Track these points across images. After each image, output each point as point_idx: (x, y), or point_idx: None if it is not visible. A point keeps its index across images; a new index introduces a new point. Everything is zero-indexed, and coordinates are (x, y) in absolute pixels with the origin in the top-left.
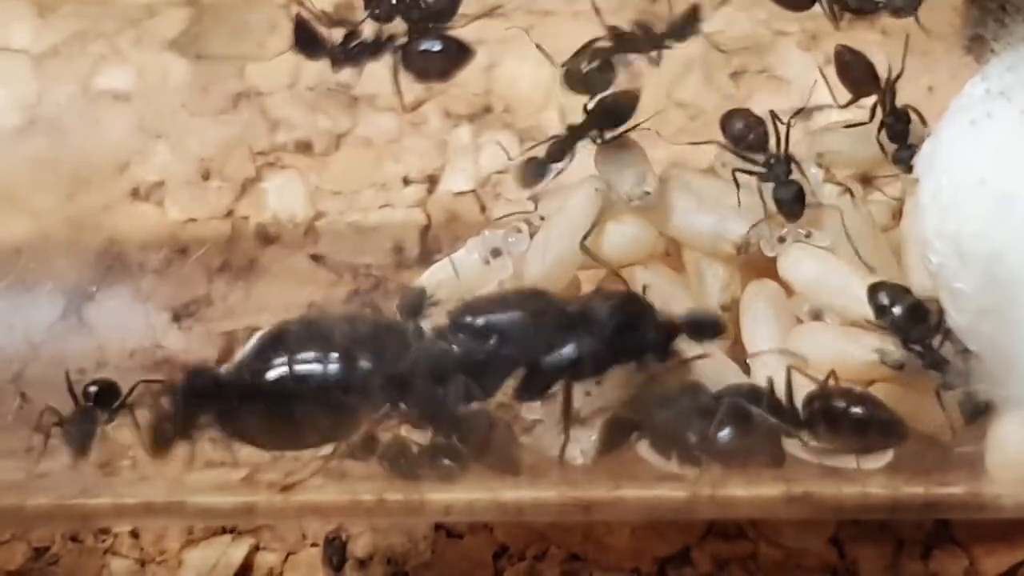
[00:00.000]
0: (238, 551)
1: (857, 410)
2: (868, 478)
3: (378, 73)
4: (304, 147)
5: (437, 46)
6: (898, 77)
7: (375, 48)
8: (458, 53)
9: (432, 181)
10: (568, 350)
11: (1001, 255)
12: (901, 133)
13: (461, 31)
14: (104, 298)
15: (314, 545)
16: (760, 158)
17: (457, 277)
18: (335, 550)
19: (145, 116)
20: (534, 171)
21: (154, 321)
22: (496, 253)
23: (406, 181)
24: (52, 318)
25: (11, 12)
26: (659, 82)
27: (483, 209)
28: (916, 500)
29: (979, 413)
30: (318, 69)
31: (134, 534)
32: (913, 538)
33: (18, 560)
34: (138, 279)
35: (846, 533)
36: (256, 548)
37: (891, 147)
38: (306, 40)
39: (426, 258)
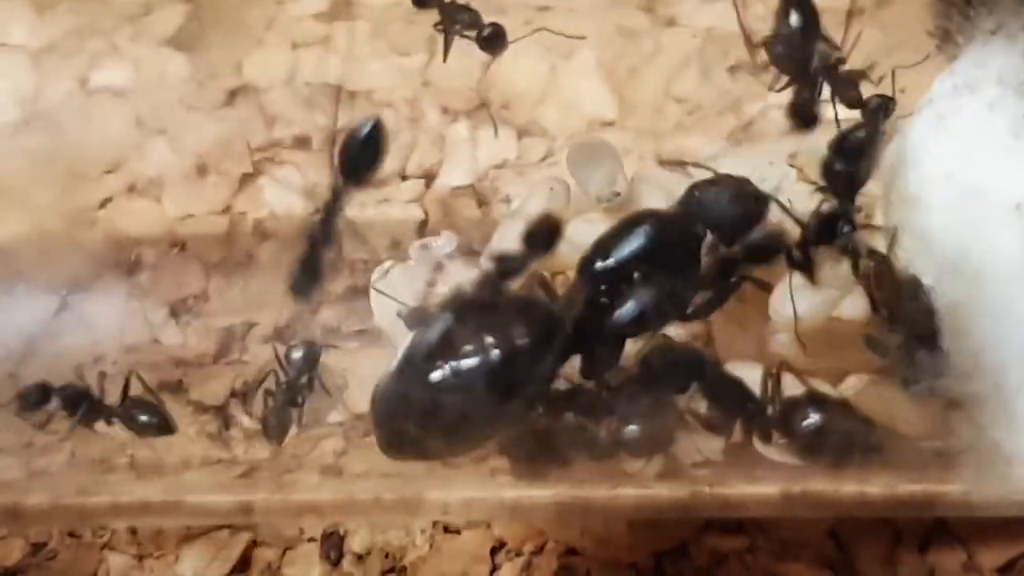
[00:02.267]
0: (236, 546)
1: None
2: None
3: (376, 69)
4: (302, 143)
5: None
6: (843, 60)
7: None
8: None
9: (430, 176)
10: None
11: (967, 249)
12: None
13: None
14: (101, 293)
15: (311, 540)
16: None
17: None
18: (333, 544)
19: (142, 112)
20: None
21: (151, 316)
22: (439, 269)
23: (403, 176)
24: (49, 313)
25: (9, 9)
26: (657, 76)
27: (480, 204)
28: (914, 499)
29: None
30: (315, 65)
31: (132, 530)
32: (911, 532)
33: (15, 556)
34: (135, 274)
35: (844, 527)
36: (254, 543)
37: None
38: None
39: None
